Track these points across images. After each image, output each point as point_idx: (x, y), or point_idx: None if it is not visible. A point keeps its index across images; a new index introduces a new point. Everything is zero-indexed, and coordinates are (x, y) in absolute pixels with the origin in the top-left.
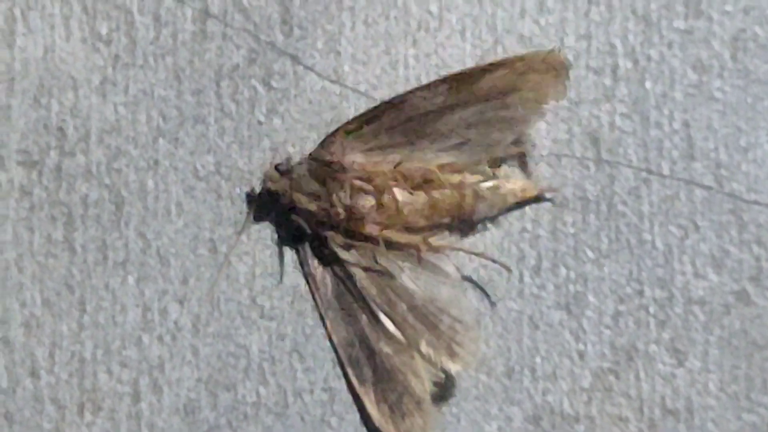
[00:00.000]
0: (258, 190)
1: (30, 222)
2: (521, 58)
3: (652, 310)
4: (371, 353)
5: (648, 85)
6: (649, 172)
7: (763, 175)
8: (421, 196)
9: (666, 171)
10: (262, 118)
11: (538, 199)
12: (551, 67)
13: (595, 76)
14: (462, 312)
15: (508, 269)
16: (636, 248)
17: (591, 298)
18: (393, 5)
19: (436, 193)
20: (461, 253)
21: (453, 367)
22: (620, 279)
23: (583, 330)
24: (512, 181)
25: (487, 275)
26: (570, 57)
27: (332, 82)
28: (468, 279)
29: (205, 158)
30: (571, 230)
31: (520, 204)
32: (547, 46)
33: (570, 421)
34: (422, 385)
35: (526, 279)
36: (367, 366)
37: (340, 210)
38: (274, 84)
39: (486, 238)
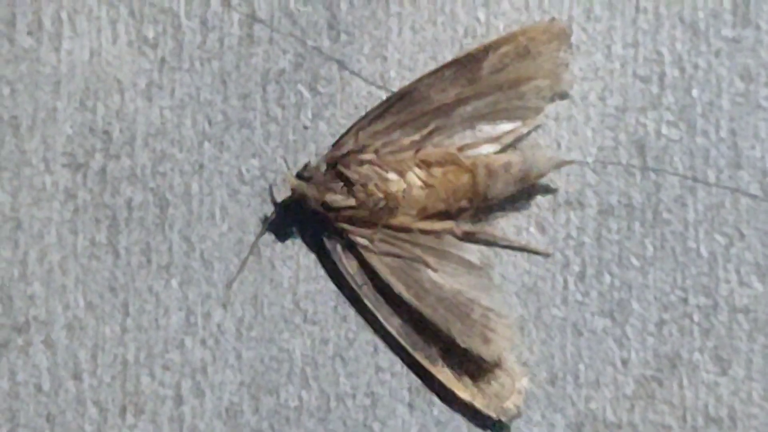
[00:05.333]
0: (281, 197)
1: (74, 225)
2: (523, 31)
3: (696, 318)
4: (433, 334)
5: (695, 93)
6: (695, 180)
7: None
8: (438, 178)
9: (712, 179)
10: (307, 123)
11: (547, 188)
12: (553, 36)
13: (642, 83)
14: (492, 301)
15: (546, 254)
16: (681, 256)
17: (635, 305)
18: (440, 11)
19: (450, 174)
20: (496, 249)
21: (487, 354)
22: (665, 287)
23: (626, 337)
24: (526, 156)
25: (531, 281)
26: (617, 65)
27: (378, 87)
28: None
29: (250, 162)
30: (616, 237)
31: (534, 184)
32: (594, 53)
33: (613, 429)
34: (495, 345)
35: (571, 286)
36: (434, 345)
37: (380, 195)
38: (320, 89)
39: (530, 245)
